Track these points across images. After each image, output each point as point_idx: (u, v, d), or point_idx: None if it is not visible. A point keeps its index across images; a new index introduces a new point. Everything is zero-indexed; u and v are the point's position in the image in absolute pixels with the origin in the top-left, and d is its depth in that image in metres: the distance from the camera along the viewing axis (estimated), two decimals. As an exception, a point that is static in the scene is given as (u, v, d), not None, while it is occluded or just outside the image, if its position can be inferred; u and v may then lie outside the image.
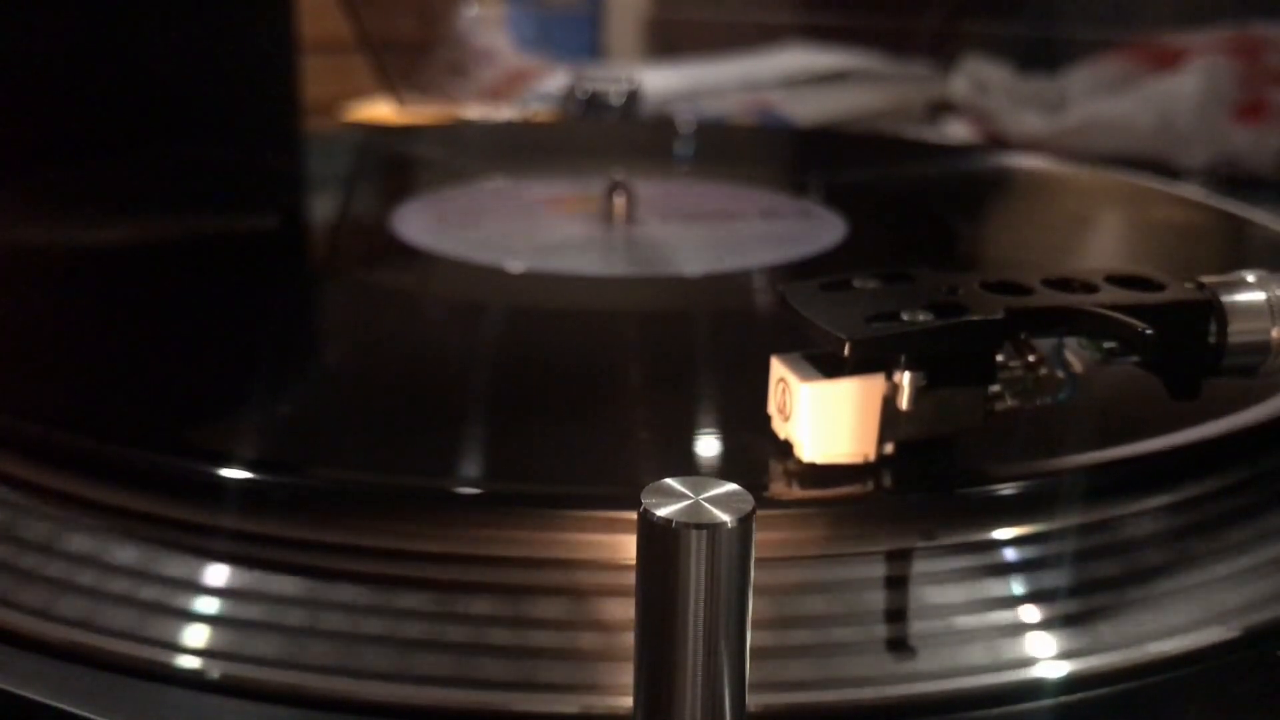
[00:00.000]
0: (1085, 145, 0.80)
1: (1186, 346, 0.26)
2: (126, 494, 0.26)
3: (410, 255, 0.45)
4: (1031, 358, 0.27)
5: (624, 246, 0.48)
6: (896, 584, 0.24)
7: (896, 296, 0.26)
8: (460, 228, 0.48)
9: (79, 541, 0.26)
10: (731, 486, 0.18)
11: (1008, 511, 0.26)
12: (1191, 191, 0.59)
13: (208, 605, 0.24)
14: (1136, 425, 0.29)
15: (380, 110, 0.93)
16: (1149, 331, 0.25)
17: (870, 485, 0.26)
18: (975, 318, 0.25)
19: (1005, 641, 0.24)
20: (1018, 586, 0.25)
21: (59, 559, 0.26)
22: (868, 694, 0.23)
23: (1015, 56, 0.95)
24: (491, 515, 0.25)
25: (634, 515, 0.18)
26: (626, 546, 0.23)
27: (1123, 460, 0.27)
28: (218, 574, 0.25)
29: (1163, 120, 0.80)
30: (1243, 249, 0.49)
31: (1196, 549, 0.26)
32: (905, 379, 0.25)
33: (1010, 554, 0.25)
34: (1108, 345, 0.27)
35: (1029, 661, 0.24)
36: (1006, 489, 0.26)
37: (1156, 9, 0.99)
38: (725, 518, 0.18)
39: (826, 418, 0.26)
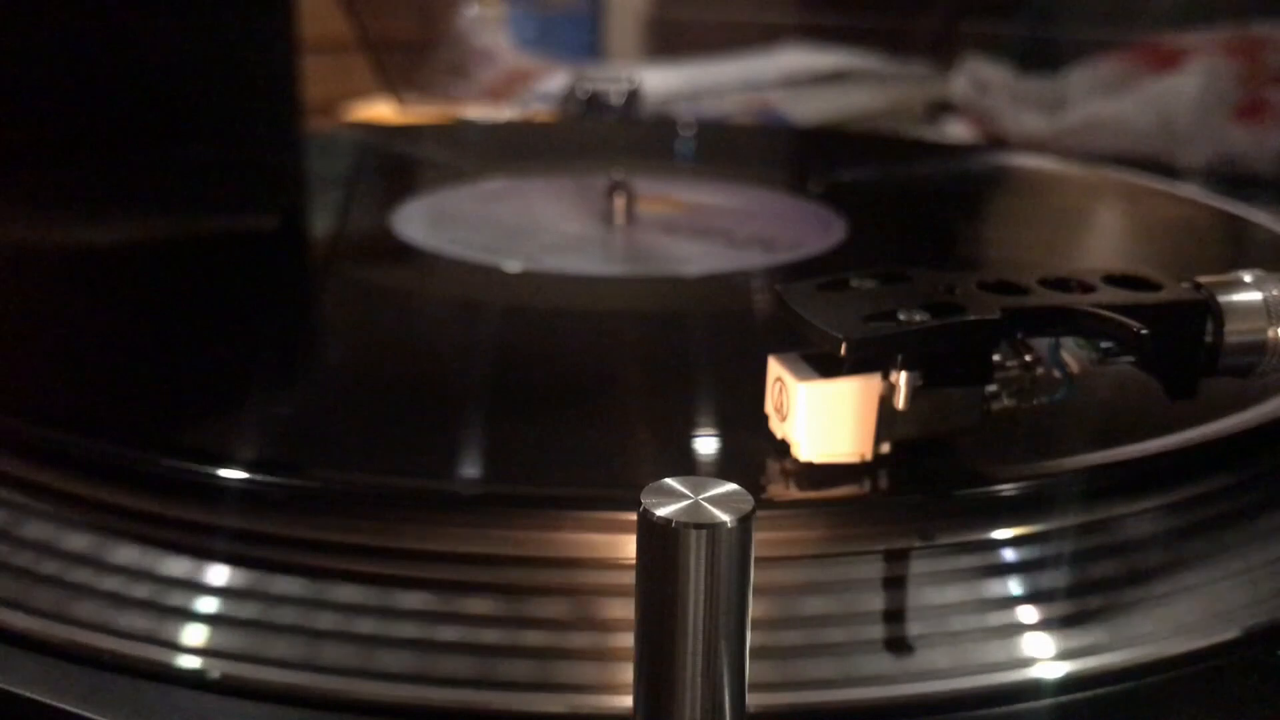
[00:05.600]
0: (1085, 145, 0.80)
1: (1183, 347, 0.26)
2: (126, 494, 0.26)
3: (410, 255, 0.45)
4: (1028, 357, 0.27)
5: (623, 246, 0.48)
6: (895, 584, 0.24)
7: (893, 296, 0.26)
8: (460, 228, 0.48)
9: (78, 541, 0.26)
10: (731, 486, 0.18)
11: (1005, 512, 0.26)
12: (1191, 191, 0.59)
13: (207, 605, 0.24)
14: (1134, 425, 0.29)
15: (380, 110, 0.93)
16: (1145, 331, 0.25)
17: (867, 485, 0.26)
18: (972, 317, 0.25)
19: (1004, 641, 0.24)
20: (1016, 586, 0.25)
21: (58, 559, 0.26)
22: (867, 694, 0.23)
23: (1015, 56, 0.95)
24: (491, 515, 0.25)
25: (634, 515, 0.18)
26: (626, 546, 0.23)
27: (1121, 461, 0.27)
28: (217, 574, 0.25)
29: (1163, 120, 0.80)
30: (1241, 249, 0.49)
31: (1196, 549, 0.26)
32: (902, 379, 0.25)
33: (1008, 554, 0.25)
34: (1104, 345, 0.27)
35: (1028, 661, 0.24)
36: (1004, 489, 0.26)
37: (1156, 9, 0.99)
38: (725, 518, 0.18)
39: (823, 417, 0.26)
